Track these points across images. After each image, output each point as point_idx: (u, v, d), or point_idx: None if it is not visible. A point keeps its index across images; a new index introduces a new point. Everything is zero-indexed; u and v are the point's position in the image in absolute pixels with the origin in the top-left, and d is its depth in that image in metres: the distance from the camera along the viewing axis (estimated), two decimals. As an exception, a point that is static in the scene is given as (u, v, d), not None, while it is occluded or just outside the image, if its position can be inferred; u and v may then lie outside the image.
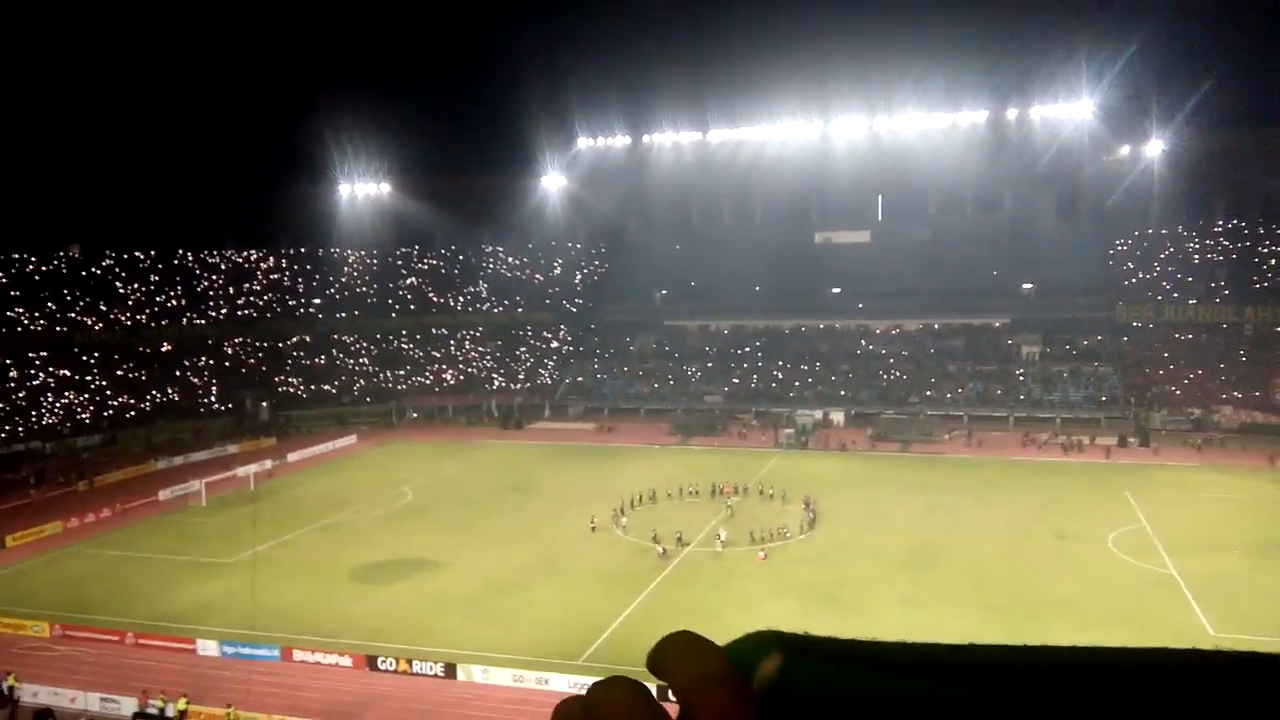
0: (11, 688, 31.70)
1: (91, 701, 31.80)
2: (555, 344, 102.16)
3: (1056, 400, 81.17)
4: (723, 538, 47.55)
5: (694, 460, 69.70)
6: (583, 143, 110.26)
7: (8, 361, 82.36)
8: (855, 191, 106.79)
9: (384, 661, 34.53)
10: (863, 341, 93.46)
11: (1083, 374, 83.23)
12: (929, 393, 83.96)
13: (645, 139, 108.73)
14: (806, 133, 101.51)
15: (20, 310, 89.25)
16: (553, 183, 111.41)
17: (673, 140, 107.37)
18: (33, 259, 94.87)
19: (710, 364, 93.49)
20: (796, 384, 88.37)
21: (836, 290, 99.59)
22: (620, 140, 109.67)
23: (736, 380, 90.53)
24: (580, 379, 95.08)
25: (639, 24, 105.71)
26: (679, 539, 47.92)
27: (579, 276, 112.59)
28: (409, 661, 34.28)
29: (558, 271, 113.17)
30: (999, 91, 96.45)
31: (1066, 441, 72.81)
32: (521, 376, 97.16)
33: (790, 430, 76.70)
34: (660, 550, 46.80)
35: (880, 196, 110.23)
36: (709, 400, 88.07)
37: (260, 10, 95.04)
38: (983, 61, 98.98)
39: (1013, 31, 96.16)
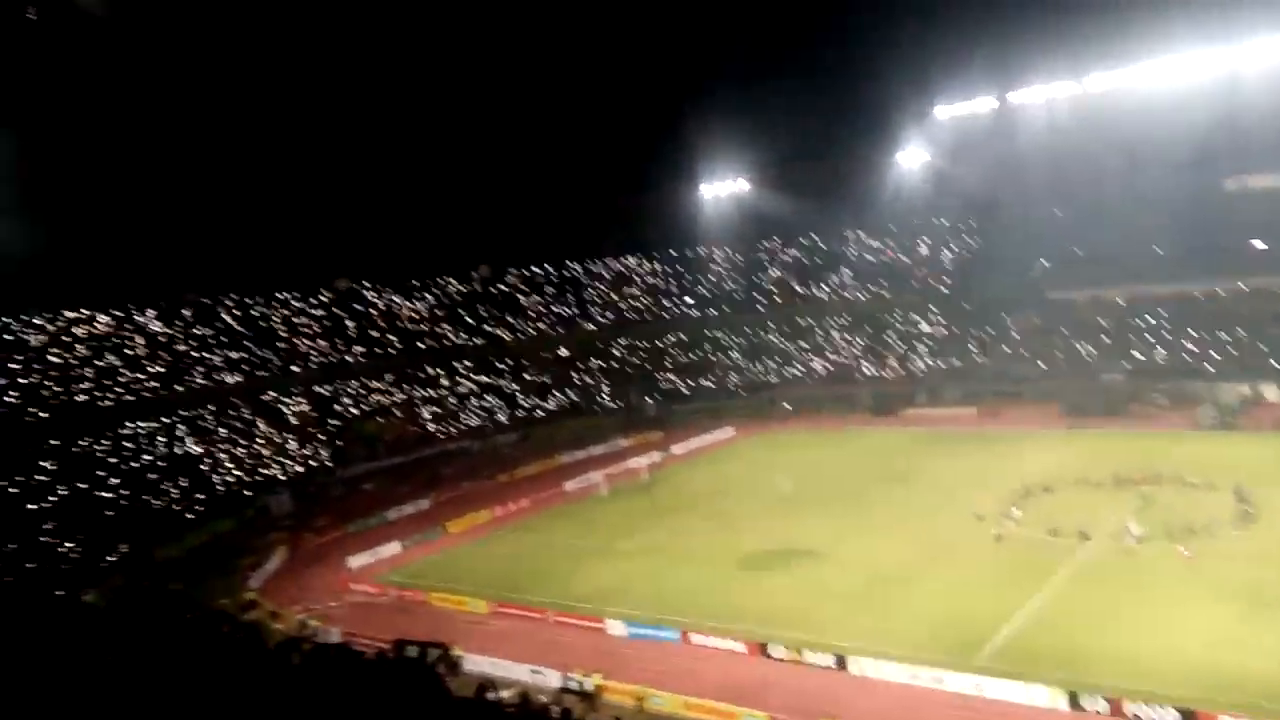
0: (458, 658, 36.76)
1: (521, 673, 35.84)
2: (926, 326, 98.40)
3: None
4: (1134, 531, 42.87)
5: (1092, 446, 63.59)
6: (942, 111, 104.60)
7: (440, 371, 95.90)
8: (1275, 126, 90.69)
9: (775, 649, 35.41)
10: (1300, 300, 79.41)
11: None
12: (1398, 357, 69.42)
13: (1012, 97, 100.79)
14: (1208, 63, 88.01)
15: (448, 327, 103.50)
16: (912, 157, 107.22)
17: (1044, 94, 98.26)
18: (452, 280, 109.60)
19: (1105, 338, 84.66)
20: (1214, 356, 77.24)
21: (1259, 243, 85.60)
22: (984, 102, 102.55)
23: (1139, 355, 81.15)
24: (957, 362, 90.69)
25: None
26: (1081, 533, 44.03)
27: (948, 254, 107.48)
28: (800, 650, 34.85)
29: (924, 250, 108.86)
30: None
31: None
32: (893, 362, 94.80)
33: (1210, 409, 67.30)
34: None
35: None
36: (1106, 379, 79.72)
37: (614, 29, 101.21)
38: None
39: None
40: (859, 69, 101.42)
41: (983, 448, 67.53)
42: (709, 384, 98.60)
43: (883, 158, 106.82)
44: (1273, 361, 74.20)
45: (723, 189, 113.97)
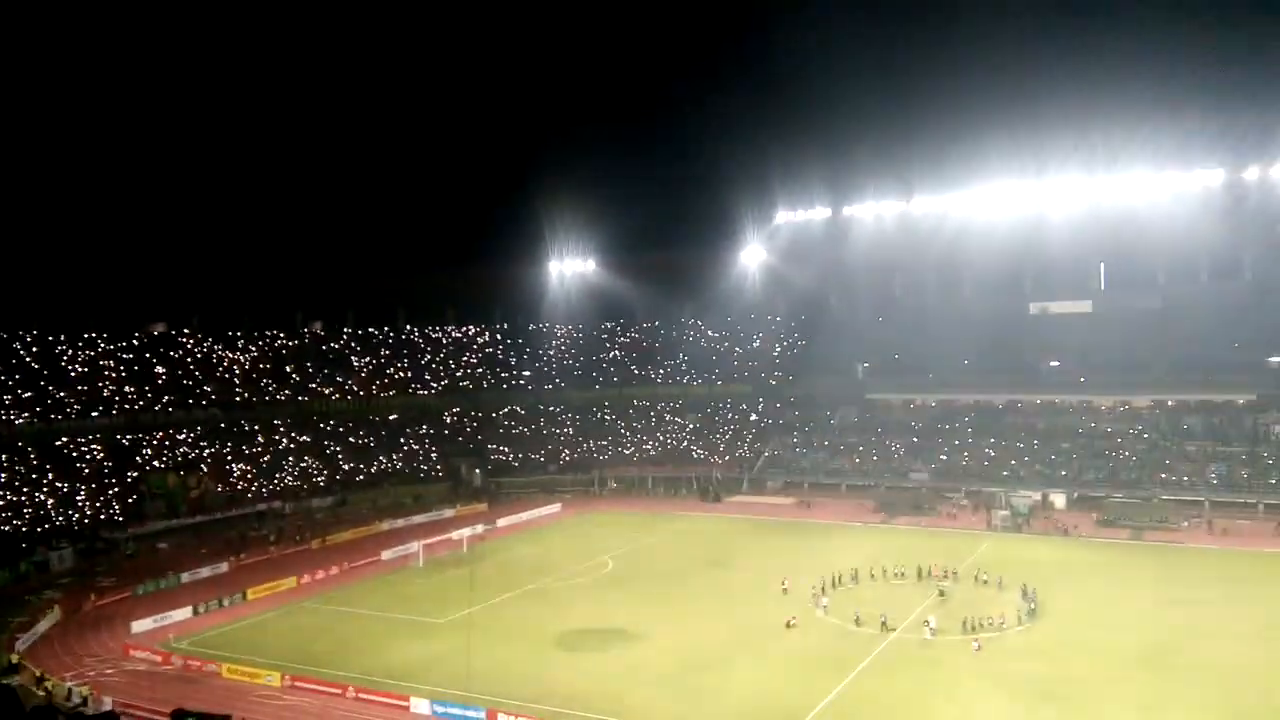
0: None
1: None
2: (754, 417, 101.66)
3: (1319, 486, 72.18)
4: (932, 624, 45.03)
5: (899, 541, 66.91)
6: (782, 216, 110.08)
7: (255, 428, 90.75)
8: (1074, 259, 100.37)
9: (583, 732, 34.62)
10: (1084, 419, 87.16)
11: (1351, 457, 73.72)
12: (1164, 475, 76.88)
13: (846, 210, 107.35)
14: (1020, 197, 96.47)
15: (268, 381, 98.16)
16: (752, 256, 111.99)
17: (875, 210, 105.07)
18: (281, 334, 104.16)
19: (916, 439, 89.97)
20: (1011, 463, 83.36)
21: (1055, 363, 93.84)
22: (820, 212, 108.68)
23: (944, 457, 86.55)
24: (778, 452, 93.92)
25: (839, 92, 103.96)
26: (883, 623, 45.84)
27: (778, 349, 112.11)
28: (607, 734, 34.18)
29: (757, 344, 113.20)
30: (1236, 149, 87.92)
31: (1333, 534, 64.45)
32: (721, 449, 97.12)
33: (1005, 512, 72.22)
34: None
35: (1103, 264, 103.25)
36: (914, 478, 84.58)
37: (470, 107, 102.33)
38: (1218, 116, 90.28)
39: (1251, 83, 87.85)
40: (709, 169, 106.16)
41: (799, 537, 69.78)
42: (539, 458, 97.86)
43: (726, 255, 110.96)
44: (1063, 471, 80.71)
45: (571, 268, 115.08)
